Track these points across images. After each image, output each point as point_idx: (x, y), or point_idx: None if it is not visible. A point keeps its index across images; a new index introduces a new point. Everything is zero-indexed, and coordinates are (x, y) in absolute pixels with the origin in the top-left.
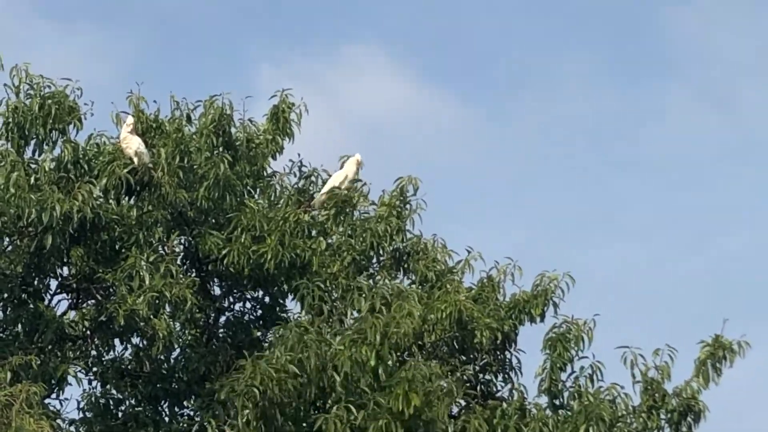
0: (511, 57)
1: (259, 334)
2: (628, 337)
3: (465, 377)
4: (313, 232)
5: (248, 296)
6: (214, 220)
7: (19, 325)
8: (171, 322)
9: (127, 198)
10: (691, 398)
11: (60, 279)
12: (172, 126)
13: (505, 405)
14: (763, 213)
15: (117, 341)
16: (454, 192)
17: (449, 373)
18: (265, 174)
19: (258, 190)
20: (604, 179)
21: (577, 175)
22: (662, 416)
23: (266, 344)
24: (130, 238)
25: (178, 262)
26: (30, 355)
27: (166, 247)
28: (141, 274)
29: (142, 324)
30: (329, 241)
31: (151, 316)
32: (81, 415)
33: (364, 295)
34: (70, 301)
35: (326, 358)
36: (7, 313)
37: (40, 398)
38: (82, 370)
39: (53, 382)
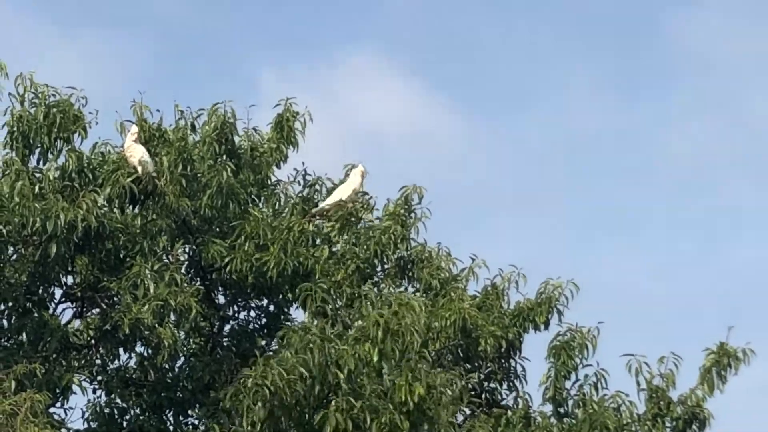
0: (517, 66)
1: (263, 342)
2: (633, 344)
3: (470, 385)
4: (317, 241)
5: (252, 305)
6: (217, 229)
7: (24, 334)
8: (176, 331)
9: (131, 207)
10: (696, 406)
11: (64, 288)
12: (176, 134)
13: (509, 413)
14: None
15: (122, 350)
16: (458, 201)
17: (454, 381)
18: (269, 182)
19: (262, 198)
20: (609, 188)
21: (581, 183)
22: (667, 424)
23: (271, 353)
24: (134, 247)
25: (183, 270)
26: (34, 363)
27: (170, 256)
28: (145, 282)
29: (146, 333)
30: (333, 249)
31: (156, 325)
32: (85, 424)
33: (371, 303)
34: (74, 309)
35: (330, 356)
36: (12, 321)
37: (44, 407)
38: (87, 379)
39: (58, 391)
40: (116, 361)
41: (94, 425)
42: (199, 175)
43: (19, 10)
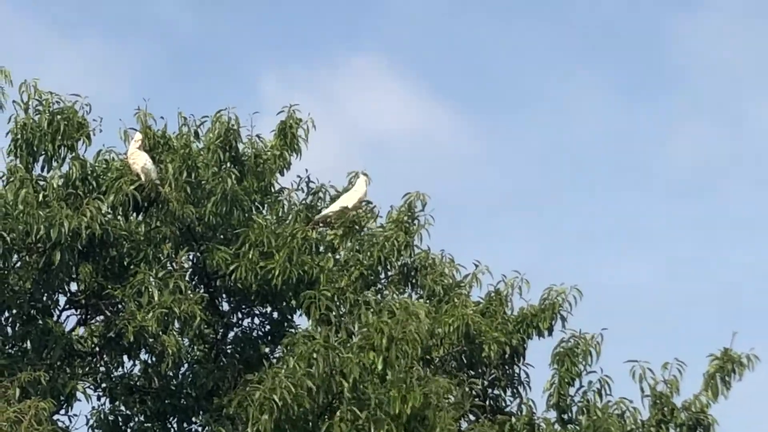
0: (519, 70)
1: (267, 349)
2: (637, 351)
3: (474, 392)
4: (321, 249)
5: (256, 312)
6: (222, 236)
7: (28, 341)
8: (180, 338)
9: (135, 214)
10: (700, 412)
11: (69, 295)
12: (180, 142)
13: (513, 420)
14: None
15: (126, 357)
16: (461, 207)
17: (457, 387)
18: (272, 189)
19: (266, 205)
20: (612, 195)
21: (584, 191)
22: (671, 430)
23: (275, 360)
24: (138, 254)
25: (187, 278)
26: (39, 371)
27: (174, 263)
28: (150, 290)
29: (151, 340)
30: (337, 257)
31: (160, 332)
32: (90, 431)
33: (371, 310)
34: (78, 317)
35: (334, 365)
36: (16, 329)
37: (48, 414)
38: (91, 387)
39: (62, 398)
40: (120, 369)
41: None
42: (203, 182)
43: (22, 16)
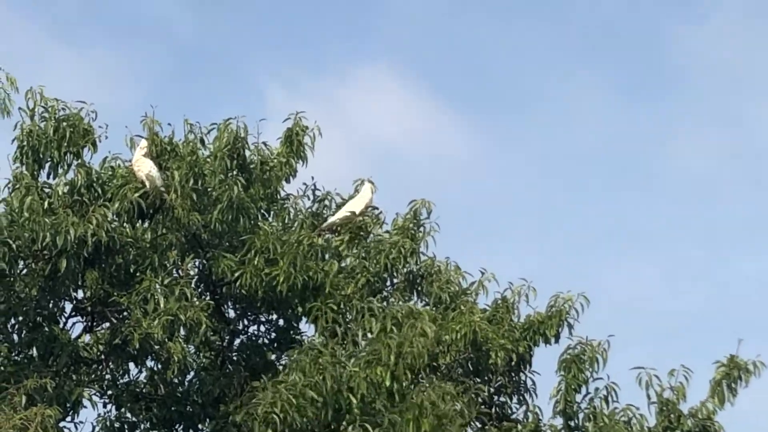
0: (527, 77)
1: (273, 356)
2: (643, 358)
3: (480, 399)
4: (327, 255)
5: (262, 319)
6: (227, 243)
7: (34, 349)
8: (186, 345)
9: (140, 221)
10: (706, 419)
11: (75, 302)
12: (186, 149)
13: (520, 427)
14: None
15: (132, 364)
16: (467, 214)
17: (462, 394)
18: (278, 197)
19: (272, 213)
20: (618, 200)
21: (590, 196)
22: None
23: (281, 367)
24: (144, 261)
25: (193, 285)
26: (45, 378)
27: (180, 270)
28: (156, 297)
29: (157, 347)
30: (343, 264)
31: (166, 340)
32: None
33: (375, 316)
34: (84, 324)
35: (342, 380)
36: (22, 336)
37: (55, 422)
38: (97, 394)
39: (68, 405)
40: (126, 376)
41: None
42: (209, 189)
43: (28, 24)
